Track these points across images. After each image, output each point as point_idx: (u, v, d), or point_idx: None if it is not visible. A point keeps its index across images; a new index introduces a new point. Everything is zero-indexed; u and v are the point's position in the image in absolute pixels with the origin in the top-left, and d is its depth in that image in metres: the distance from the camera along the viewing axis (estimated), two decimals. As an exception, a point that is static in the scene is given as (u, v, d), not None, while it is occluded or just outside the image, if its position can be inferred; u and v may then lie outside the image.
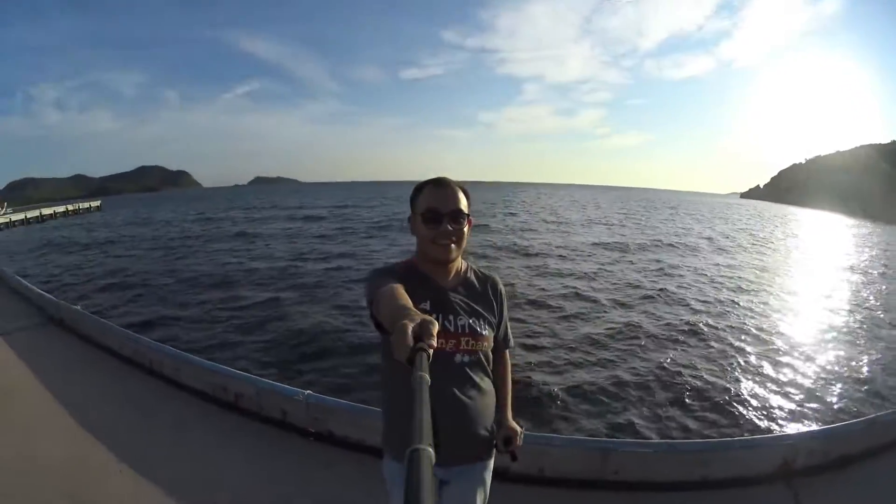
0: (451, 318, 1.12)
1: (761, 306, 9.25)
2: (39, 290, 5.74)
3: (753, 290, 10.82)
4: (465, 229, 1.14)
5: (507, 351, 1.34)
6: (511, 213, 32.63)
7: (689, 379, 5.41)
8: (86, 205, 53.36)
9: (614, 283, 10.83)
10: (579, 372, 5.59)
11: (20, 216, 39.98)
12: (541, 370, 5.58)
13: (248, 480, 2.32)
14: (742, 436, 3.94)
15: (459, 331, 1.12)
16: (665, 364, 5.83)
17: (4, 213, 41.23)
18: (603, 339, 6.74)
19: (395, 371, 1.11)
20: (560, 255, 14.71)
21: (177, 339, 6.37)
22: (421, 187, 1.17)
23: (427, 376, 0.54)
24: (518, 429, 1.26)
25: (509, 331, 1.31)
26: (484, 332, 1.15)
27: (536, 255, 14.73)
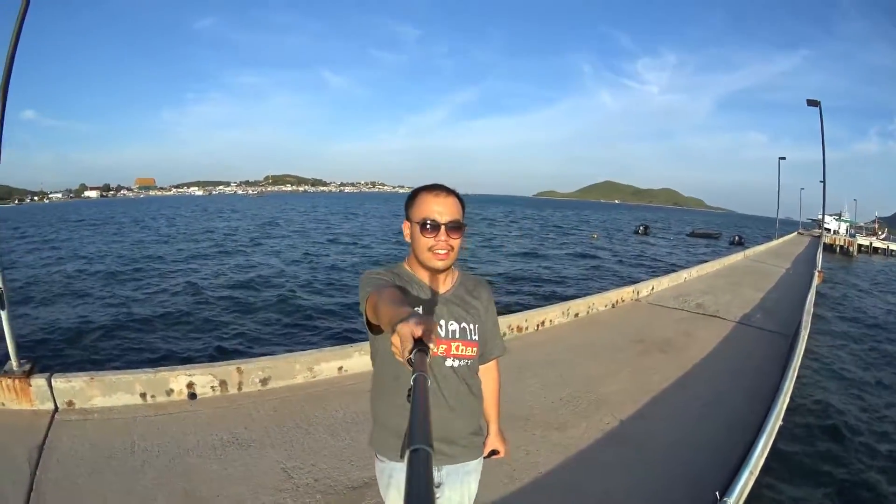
0: (442, 322, 1.14)
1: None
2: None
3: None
4: (460, 239, 1.16)
5: (497, 360, 1.36)
6: None
7: None
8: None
9: None
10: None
11: (896, 246, 35.65)
12: None
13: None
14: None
15: (450, 336, 1.15)
16: None
17: (882, 239, 37.89)
18: None
19: (384, 371, 1.15)
20: None
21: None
22: (416, 193, 1.17)
23: (427, 376, 0.55)
24: (505, 445, 1.37)
25: (500, 338, 1.33)
26: (475, 338, 1.19)
27: None
